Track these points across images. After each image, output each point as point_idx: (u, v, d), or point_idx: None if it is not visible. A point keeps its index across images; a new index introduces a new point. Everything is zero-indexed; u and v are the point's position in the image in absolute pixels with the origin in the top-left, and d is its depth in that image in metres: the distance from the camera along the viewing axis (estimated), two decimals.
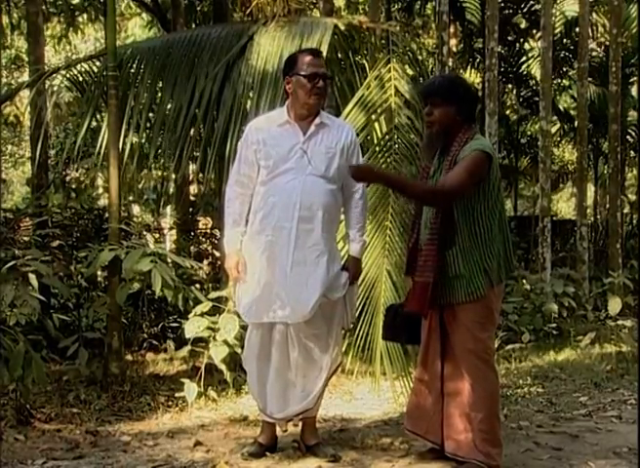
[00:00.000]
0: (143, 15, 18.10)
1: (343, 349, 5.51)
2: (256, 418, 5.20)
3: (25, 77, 18.69)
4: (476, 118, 4.08)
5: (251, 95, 6.11)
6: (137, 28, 20.05)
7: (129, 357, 6.48)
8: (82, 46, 19.96)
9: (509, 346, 7.85)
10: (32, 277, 5.24)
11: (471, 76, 16.05)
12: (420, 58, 6.23)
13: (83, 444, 4.47)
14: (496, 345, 7.39)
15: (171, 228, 10.54)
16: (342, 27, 6.25)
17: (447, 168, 3.78)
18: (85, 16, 14.85)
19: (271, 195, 4.02)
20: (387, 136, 5.80)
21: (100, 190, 15.27)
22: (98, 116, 6.79)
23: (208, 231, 9.85)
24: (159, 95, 6.63)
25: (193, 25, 13.57)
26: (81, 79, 6.76)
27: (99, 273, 7.21)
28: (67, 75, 6.75)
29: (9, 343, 4.72)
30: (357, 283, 4.37)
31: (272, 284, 4.00)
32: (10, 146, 19.57)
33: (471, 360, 3.79)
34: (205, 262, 9.26)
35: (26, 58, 15.55)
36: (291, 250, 3.98)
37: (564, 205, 26.17)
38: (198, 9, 14.31)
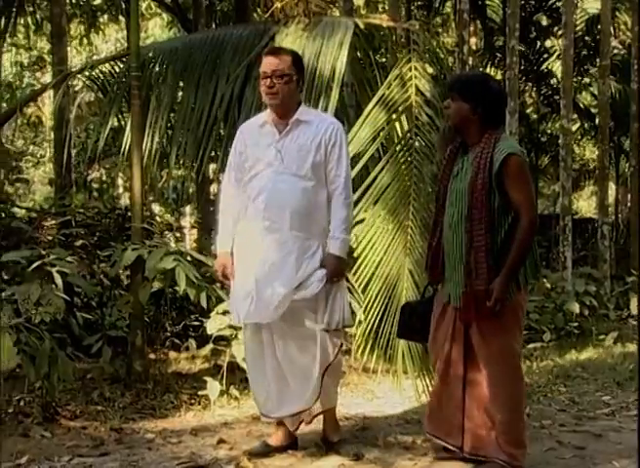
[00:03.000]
0: (163, 15, 18.21)
1: (367, 349, 5.59)
2: None
3: (47, 78, 18.94)
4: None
5: None
6: (156, 28, 20.18)
7: (152, 355, 6.53)
8: (103, 46, 20.09)
9: (531, 345, 7.82)
10: (57, 276, 5.30)
11: (491, 74, 15.99)
12: (441, 56, 6.19)
13: (108, 441, 4.51)
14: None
15: (192, 227, 10.60)
16: (363, 27, 6.25)
17: (477, 168, 3.72)
18: (105, 16, 14.98)
19: (248, 196, 4.08)
20: (408, 135, 5.81)
21: (121, 190, 15.41)
22: (119, 116, 6.85)
23: None
24: (181, 95, 6.68)
25: (214, 25, 13.63)
26: (103, 79, 6.84)
27: (120, 272, 7.27)
28: (90, 76, 6.82)
29: (35, 341, 4.77)
30: (342, 281, 4.19)
31: (246, 284, 4.02)
32: (31, 146, 19.76)
33: (497, 364, 3.77)
34: None
35: (48, 59, 15.74)
36: (259, 250, 4.00)
37: (584, 203, 26.01)
38: (218, 9, 14.37)
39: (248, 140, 4.13)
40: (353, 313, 5.92)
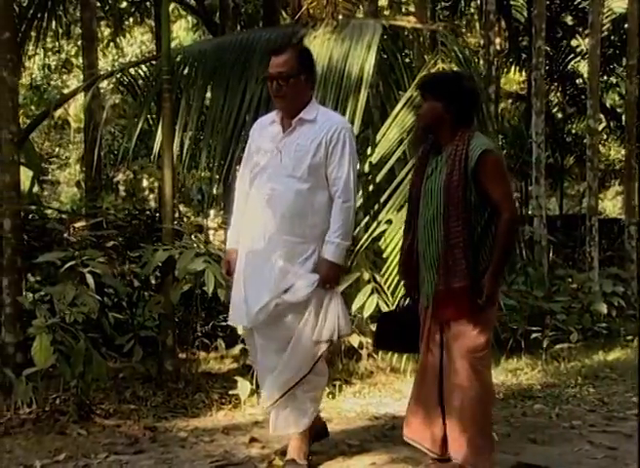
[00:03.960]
0: (188, 17, 18.33)
1: None
2: None
3: (72, 80, 19.15)
4: (475, 119, 4.01)
5: None
6: (181, 31, 20.30)
7: (182, 355, 6.60)
8: (128, 49, 20.26)
9: (558, 346, 7.82)
10: (89, 277, 5.38)
11: (515, 75, 15.97)
12: (468, 58, 6.20)
13: (142, 439, 4.59)
14: (545, 344, 7.44)
15: (219, 228, 10.66)
16: (390, 29, 6.29)
17: (451, 165, 3.63)
18: (130, 19, 15.12)
19: (250, 196, 4.02)
20: None
21: (147, 192, 15.53)
22: (148, 119, 6.92)
23: None
24: (210, 97, 6.74)
25: (239, 28, 13.71)
26: (133, 82, 6.93)
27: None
28: (120, 79, 6.91)
29: (70, 341, 4.87)
30: (337, 289, 4.01)
31: (237, 286, 3.99)
32: (57, 148, 19.98)
33: (466, 367, 3.66)
34: None
35: (75, 62, 15.93)
36: (249, 252, 3.95)
37: (609, 204, 25.84)
38: (243, 11, 14.44)
39: (257, 138, 4.08)
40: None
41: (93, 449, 4.31)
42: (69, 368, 4.82)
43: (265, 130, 4.06)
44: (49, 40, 12.45)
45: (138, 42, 20.52)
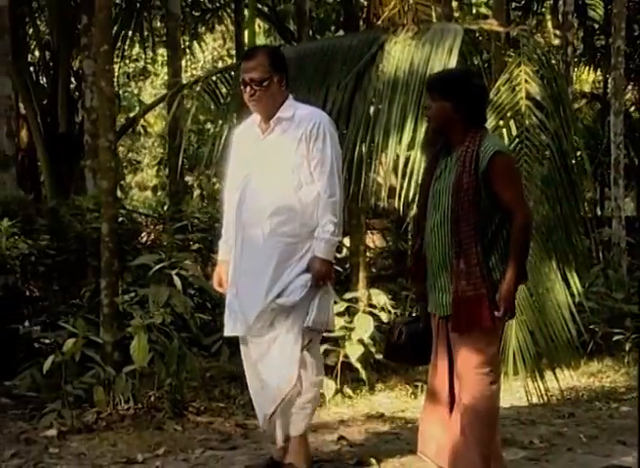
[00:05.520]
0: (259, 23, 18.57)
1: None
2: (392, 415, 5.39)
3: (147, 87, 19.63)
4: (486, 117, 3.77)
5: (381, 102, 6.25)
6: (250, 36, 20.54)
7: None
8: (200, 55, 20.63)
9: None
10: (176, 279, 5.58)
11: (590, 75, 15.74)
12: (552, 60, 6.19)
13: (235, 436, 4.76)
14: (627, 347, 7.34)
15: None
16: (472, 32, 6.31)
17: (462, 166, 3.48)
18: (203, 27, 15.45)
19: (235, 201, 3.93)
20: (517, 139, 5.83)
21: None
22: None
23: None
24: None
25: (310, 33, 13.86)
26: (216, 89, 7.10)
27: None
28: (203, 86, 7.09)
29: (164, 340, 5.07)
30: (327, 286, 3.87)
31: (233, 296, 3.90)
32: (129, 153, 20.50)
33: (472, 384, 3.46)
34: None
35: (151, 70, 16.38)
36: (239, 258, 3.86)
37: None
38: (314, 16, 14.59)
39: (240, 143, 4.00)
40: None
41: (189, 445, 4.49)
42: (164, 366, 5.02)
43: (246, 133, 4.00)
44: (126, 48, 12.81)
45: (210, 48, 20.88)
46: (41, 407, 4.98)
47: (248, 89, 3.81)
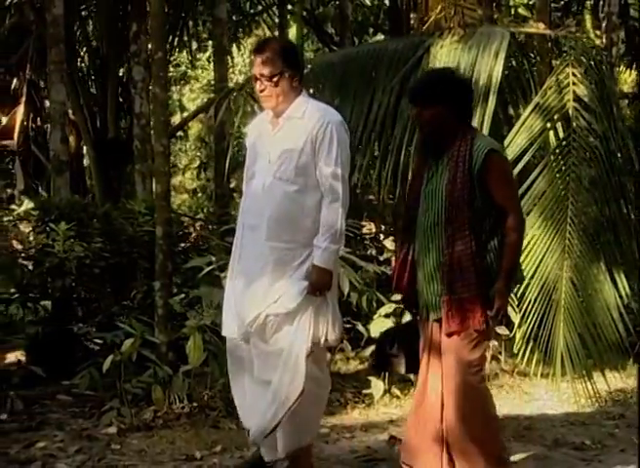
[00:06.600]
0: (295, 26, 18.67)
1: (526, 352, 5.65)
2: None
3: (186, 92, 19.85)
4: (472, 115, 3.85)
5: None
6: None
7: None
8: (238, 59, 20.80)
9: None
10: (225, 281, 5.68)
11: (631, 75, 15.60)
12: (599, 62, 6.18)
13: None
14: None
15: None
16: (519, 36, 6.33)
17: (454, 166, 3.47)
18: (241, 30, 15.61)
19: (243, 201, 3.88)
20: (565, 142, 5.84)
21: None
22: None
23: (373, 236, 10.12)
24: (337, 107, 6.91)
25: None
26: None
27: None
28: (248, 91, 7.20)
29: (217, 340, 5.17)
30: (328, 295, 3.71)
31: (229, 298, 3.86)
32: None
33: (461, 378, 3.45)
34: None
35: (192, 74, 16.57)
36: (237, 260, 3.81)
37: None
38: (353, 19, 14.66)
39: (254, 138, 3.88)
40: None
41: (244, 443, 4.56)
42: (218, 366, 5.13)
43: (260, 128, 3.87)
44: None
45: (247, 52, 21.03)
46: (100, 405, 5.14)
47: (258, 84, 3.70)
